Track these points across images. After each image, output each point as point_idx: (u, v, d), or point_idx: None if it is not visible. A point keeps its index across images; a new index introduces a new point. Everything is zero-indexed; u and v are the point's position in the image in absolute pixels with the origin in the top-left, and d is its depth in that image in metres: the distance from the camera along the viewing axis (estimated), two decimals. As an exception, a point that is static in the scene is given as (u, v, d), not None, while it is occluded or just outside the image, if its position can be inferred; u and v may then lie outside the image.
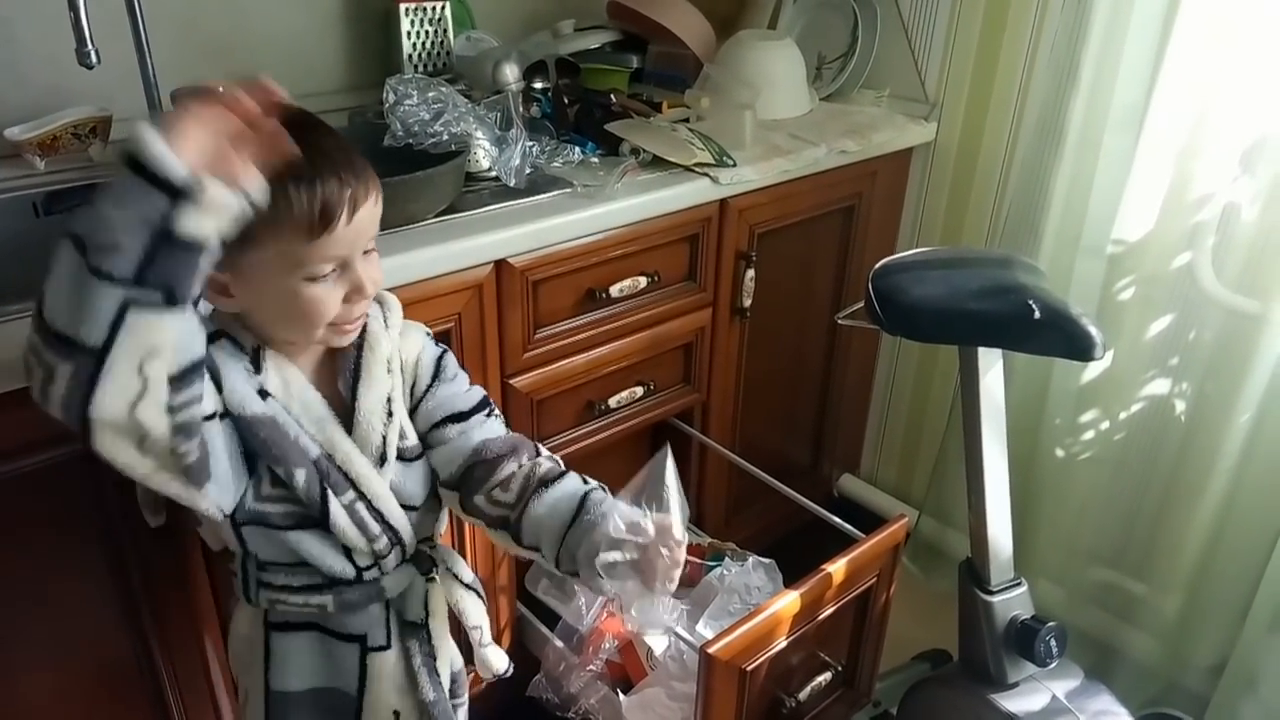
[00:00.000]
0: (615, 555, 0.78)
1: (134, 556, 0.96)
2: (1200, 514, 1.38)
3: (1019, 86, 1.56)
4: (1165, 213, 1.34)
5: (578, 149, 1.34)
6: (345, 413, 0.83)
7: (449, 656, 0.95)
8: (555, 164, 1.30)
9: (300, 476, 0.79)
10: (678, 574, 0.78)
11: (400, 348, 0.88)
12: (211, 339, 0.76)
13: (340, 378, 0.84)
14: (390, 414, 0.85)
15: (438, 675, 0.92)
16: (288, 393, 0.80)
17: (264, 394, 0.79)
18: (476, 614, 0.96)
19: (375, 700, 0.89)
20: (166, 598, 1.01)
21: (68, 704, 0.99)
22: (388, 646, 0.89)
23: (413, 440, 0.88)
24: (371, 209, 0.77)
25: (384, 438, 0.84)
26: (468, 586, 0.96)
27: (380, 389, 0.84)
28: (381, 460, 0.84)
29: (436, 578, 0.91)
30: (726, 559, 1.47)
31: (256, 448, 0.78)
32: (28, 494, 0.88)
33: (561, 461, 0.90)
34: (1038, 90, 1.51)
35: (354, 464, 0.82)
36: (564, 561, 0.83)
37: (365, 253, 0.79)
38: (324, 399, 0.82)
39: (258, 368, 0.79)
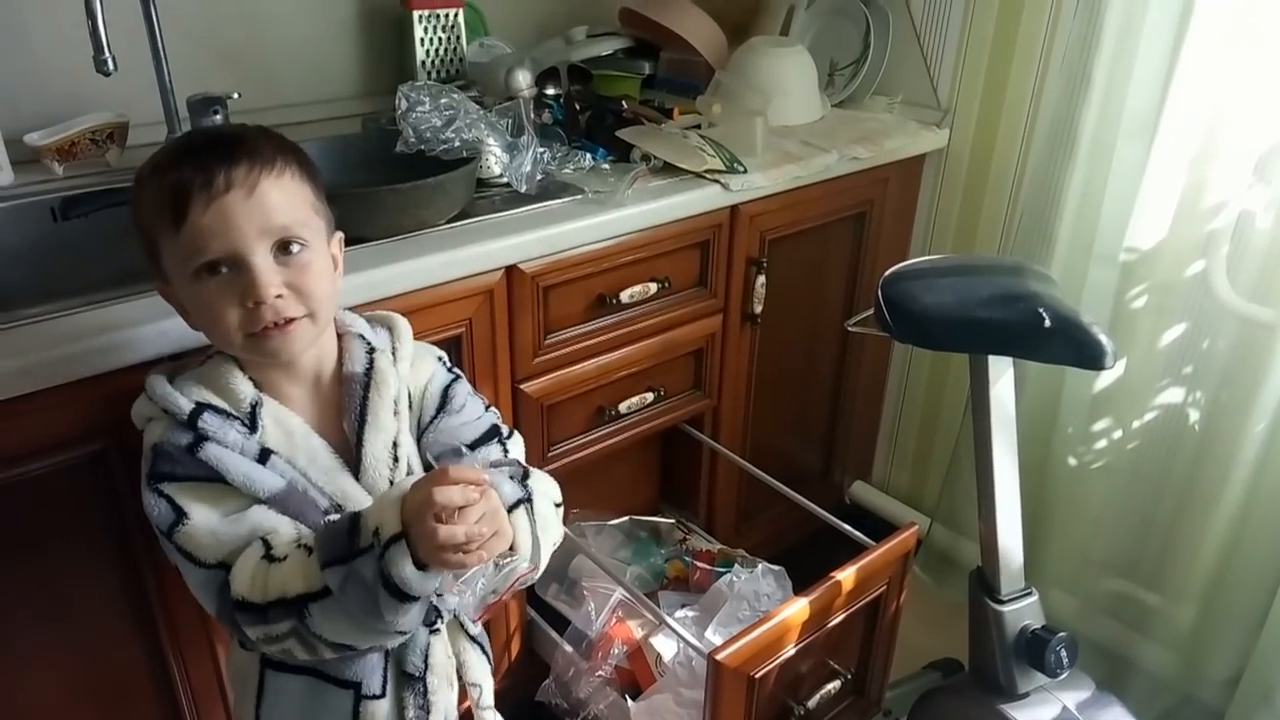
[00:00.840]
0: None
1: (147, 561, 0.97)
2: (1215, 524, 1.37)
3: (1031, 93, 1.55)
4: (1179, 220, 1.34)
5: (589, 155, 1.34)
6: (350, 454, 0.82)
7: (444, 710, 0.89)
8: (566, 170, 1.31)
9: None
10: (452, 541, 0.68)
11: (410, 380, 0.87)
12: (192, 420, 0.75)
13: (345, 419, 0.82)
14: (396, 459, 0.83)
15: None
16: (292, 444, 0.78)
17: (266, 453, 0.76)
18: (478, 671, 0.92)
19: None
20: (179, 603, 1.01)
21: (79, 709, 1.00)
22: (382, 695, 0.84)
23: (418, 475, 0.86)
24: (244, 201, 0.71)
25: (390, 482, 0.82)
26: (472, 639, 0.92)
27: (386, 434, 0.82)
28: None
29: (440, 628, 0.87)
30: (736, 566, 1.46)
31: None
32: (40, 498, 0.89)
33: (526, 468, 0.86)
34: (1050, 97, 1.50)
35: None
36: None
37: (288, 253, 0.74)
38: (328, 445, 0.81)
39: (254, 425, 0.77)
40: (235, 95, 1.33)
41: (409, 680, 0.86)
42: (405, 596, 0.68)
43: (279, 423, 0.78)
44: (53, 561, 0.92)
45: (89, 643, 0.98)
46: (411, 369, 0.87)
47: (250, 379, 0.79)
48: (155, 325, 0.88)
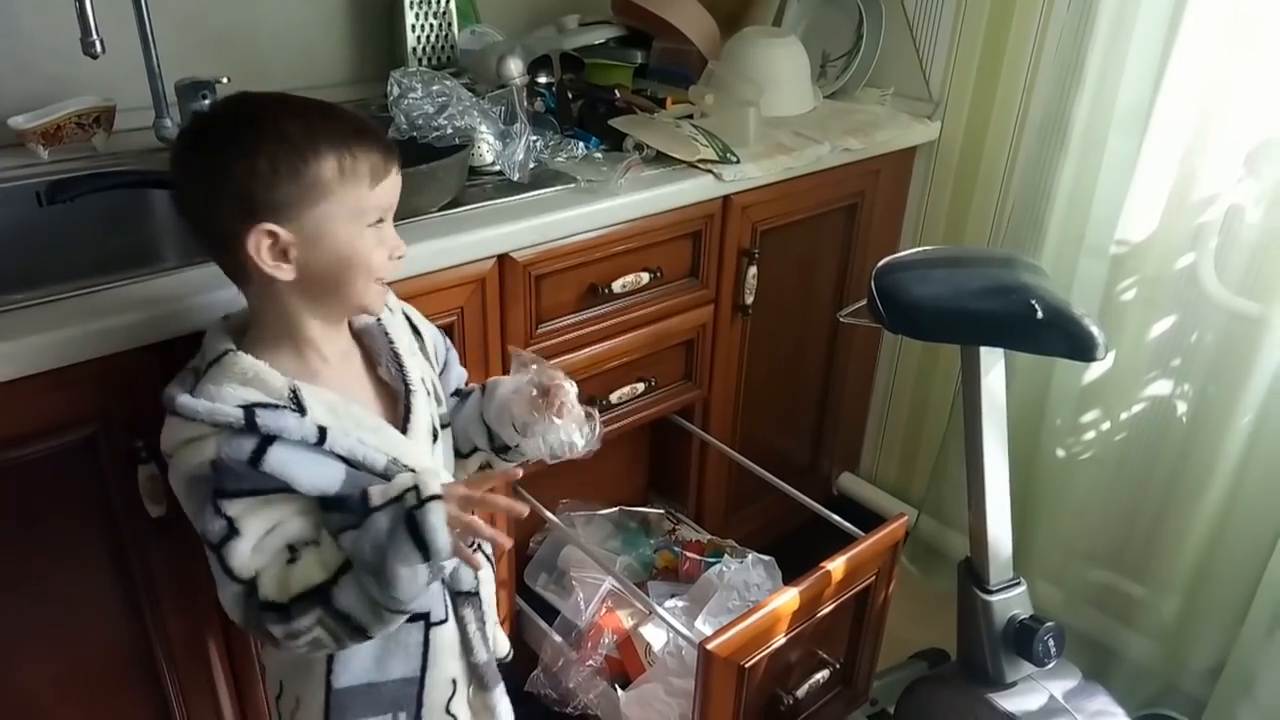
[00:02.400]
0: (509, 386, 0.90)
1: (136, 548, 0.96)
2: (1200, 516, 1.38)
3: (1023, 86, 1.55)
4: (1169, 214, 1.34)
5: (581, 144, 1.34)
6: (388, 412, 0.87)
7: (493, 621, 1.00)
8: (559, 159, 1.30)
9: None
10: (570, 396, 0.89)
11: (420, 326, 0.95)
12: (250, 422, 0.75)
13: (381, 367, 0.88)
14: (428, 391, 0.90)
15: (487, 638, 0.96)
16: (338, 416, 0.81)
17: (322, 431, 0.78)
18: (489, 587, 0.99)
19: (437, 674, 0.91)
20: (168, 590, 1.00)
21: (68, 695, 0.99)
22: (445, 620, 0.91)
23: (445, 408, 0.95)
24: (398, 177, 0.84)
25: (431, 416, 0.89)
26: (488, 557, 0.99)
27: (418, 369, 0.90)
28: (434, 438, 0.89)
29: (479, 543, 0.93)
30: (725, 556, 1.47)
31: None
32: (28, 483, 0.88)
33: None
34: (1042, 89, 1.51)
35: (413, 456, 0.84)
36: (493, 438, 0.95)
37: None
38: (365, 408, 0.84)
39: (302, 408, 0.78)
40: (224, 80, 1.31)
41: (466, 598, 0.93)
42: (422, 545, 0.74)
43: (319, 400, 0.80)
44: (40, 548, 0.91)
45: (76, 631, 0.97)
46: (417, 320, 0.95)
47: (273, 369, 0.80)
48: (142, 311, 0.87)
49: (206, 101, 1.29)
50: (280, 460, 0.76)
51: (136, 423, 0.90)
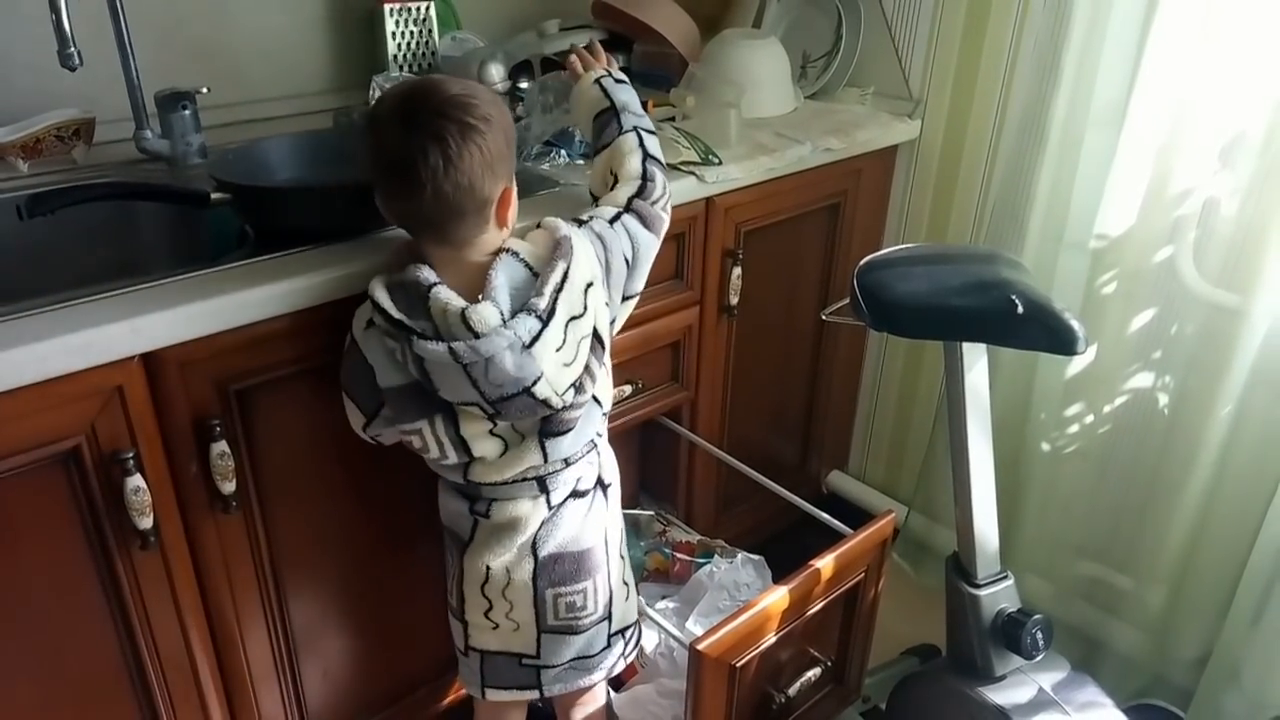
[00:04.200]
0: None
1: (124, 562, 0.96)
2: (1183, 507, 1.40)
3: (1002, 84, 1.57)
4: (1146, 208, 1.36)
5: (564, 150, 1.34)
6: None
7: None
8: (543, 167, 1.31)
9: None
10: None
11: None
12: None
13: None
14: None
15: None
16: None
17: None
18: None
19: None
20: (157, 602, 1.00)
21: (53, 714, 0.98)
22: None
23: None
24: None
25: None
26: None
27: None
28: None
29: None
30: (715, 556, 1.47)
31: None
32: (10, 497, 0.87)
33: None
34: (1020, 87, 1.52)
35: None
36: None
37: None
38: None
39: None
40: (204, 90, 1.32)
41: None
42: None
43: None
44: (23, 564, 0.91)
45: (62, 647, 0.97)
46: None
47: None
48: (128, 322, 0.87)
49: (187, 112, 1.29)
50: None
51: (121, 434, 0.89)
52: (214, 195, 1.07)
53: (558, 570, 1.06)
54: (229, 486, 0.99)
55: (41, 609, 0.93)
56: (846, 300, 1.19)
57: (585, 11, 1.71)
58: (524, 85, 1.53)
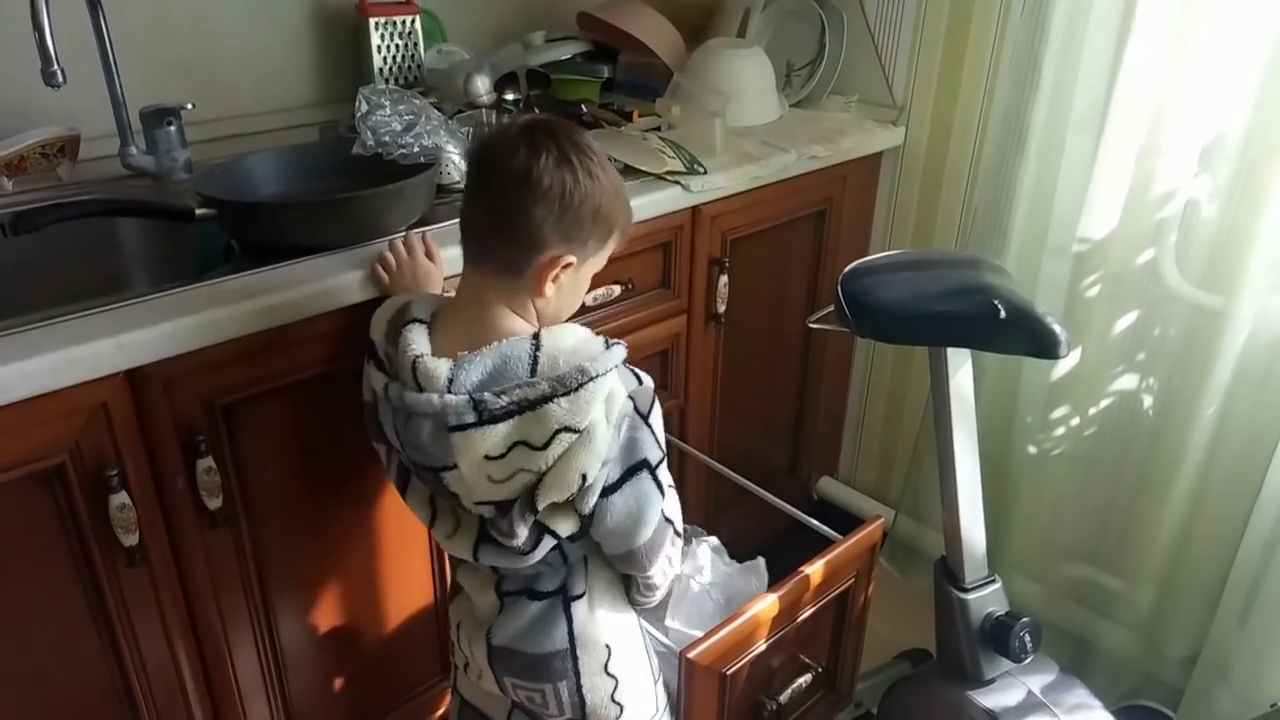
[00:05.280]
0: None
1: (110, 579, 0.96)
2: (1170, 507, 1.40)
3: (984, 90, 1.58)
4: (1128, 211, 1.37)
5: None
6: None
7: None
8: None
9: None
10: None
11: None
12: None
13: None
14: None
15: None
16: None
17: None
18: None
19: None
20: (143, 619, 1.00)
21: (43, 728, 0.98)
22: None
23: None
24: None
25: None
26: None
27: None
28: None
29: None
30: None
31: None
32: (-3, 515, 0.87)
33: None
34: (1002, 93, 1.53)
35: None
36: None
37: None
38: None
39: None
40: (189, 106, 1.32)
41: None
42: None
43: None
44: (9, 580, 0.91)
45: (47, 666, 0.96)
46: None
47: None
48: (111, 339, 0.87)
49: (172, 128, 1.30)
50: None
51: (106, 451, 0.89)
52: (199, 211, 1.07)
53: (513, 663, 0.98)
54: (215, 502, 0.99)
55: (26, 627, 0.93)
56: (831, 308, 1.20)
57: (570, 23, 1.72)
58: (510, 97, 1.54)
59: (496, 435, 0.80)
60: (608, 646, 0.99)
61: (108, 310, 0.92)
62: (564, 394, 0.80)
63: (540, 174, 0.82)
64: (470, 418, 0.80)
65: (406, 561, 1.24)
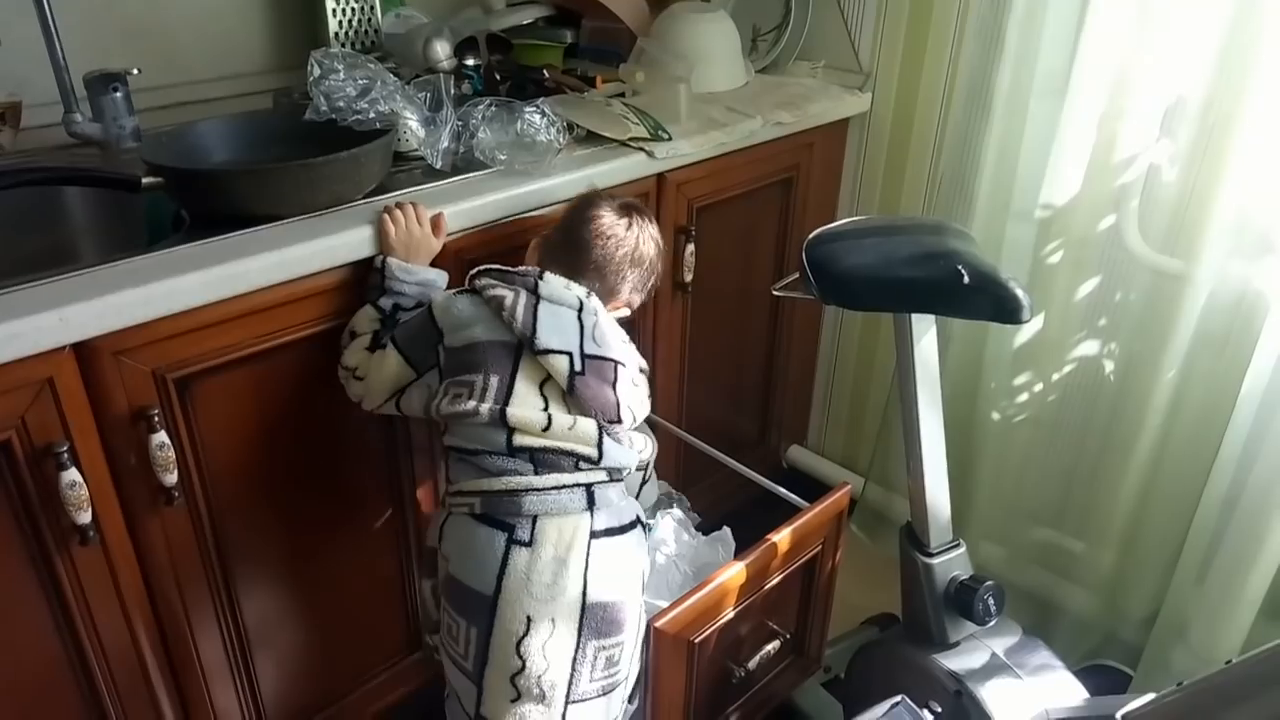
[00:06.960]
0: None
1: (63, 559, 0.94)
2: (1131, 471, 1.42)
3: (950, 55, 1.57)
4: (1090, 176, 1.37)
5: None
6: None
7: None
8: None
9: None
10: None
11: None
12: None
13: None
14: None
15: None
16: None
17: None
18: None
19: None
20: (100, 597, 0.98)
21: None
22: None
23: None
24: None
25: None
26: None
27: None
28: None
29: None
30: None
31: None
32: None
33: None
34: (967, 59, 1.52)
35: None
36: None
37: None
38: None
39: None
40: (135, 71, 1.27)
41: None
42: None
43: None
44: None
45: (1, 644, 0.94)
46: None
47: None
48: (56, 312, 0.84)
49: (118, 94, 1.25)
50: None
51: (54, 426, 0.87)
52: (145, 180, 1.04)
53: (604, 618, 0.98)
54: (170, 478, 0.97)
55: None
56: (796, 275, 1.19)
57: (532, -14, 1.68)
58: (470, 63, 1.50)
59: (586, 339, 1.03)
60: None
61: (51, 282, 0.89)
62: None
63: (635, 240, 1.12)
64: (574, 327, 1.02)
65: (372, 535, 1.22)
